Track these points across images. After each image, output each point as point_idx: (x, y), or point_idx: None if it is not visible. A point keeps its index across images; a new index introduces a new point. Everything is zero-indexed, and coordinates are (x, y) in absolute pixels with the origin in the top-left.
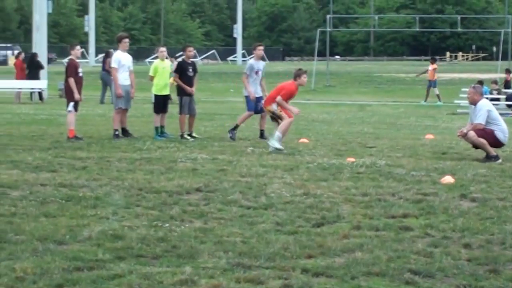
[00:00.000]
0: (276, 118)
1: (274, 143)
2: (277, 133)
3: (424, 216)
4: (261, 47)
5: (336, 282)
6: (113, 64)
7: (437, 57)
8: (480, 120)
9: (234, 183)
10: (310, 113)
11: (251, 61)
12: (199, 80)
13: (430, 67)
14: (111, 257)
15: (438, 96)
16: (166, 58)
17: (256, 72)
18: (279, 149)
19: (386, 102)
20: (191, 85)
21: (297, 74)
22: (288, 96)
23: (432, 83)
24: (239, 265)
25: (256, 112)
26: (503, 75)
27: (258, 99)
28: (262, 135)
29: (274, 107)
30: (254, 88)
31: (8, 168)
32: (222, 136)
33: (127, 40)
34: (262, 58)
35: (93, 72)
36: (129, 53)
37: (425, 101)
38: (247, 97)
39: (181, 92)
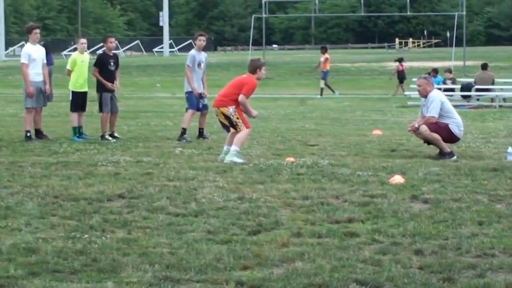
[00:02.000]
0: (226, 125)
1: (234, 159)
2: (235, 148)
3: (371, 221)
4: (203, 37)
5: None
6: (23, 59)
7: (386, 44)
8: (433, 113)
9: (161, 188)
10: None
11: (193, 52)
12: (122, 74)
13: (322, 57)
14: (24, 273)
15: (321, 90)
16: None
17: (199, 65)
18: (241, 163)
19: (329, 95)
20: (112, 80)
21: (256, 66)
22: (251, 93)
23: (322, 74)
24: (167, 278)
25: (198, 109)
26: (458, 63)
27: (200, 94)
28: (201, 134)
29: (230, 110)
30: (198, 82)
31: None
32: (147, 136)
33: (37, 30)
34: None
35: (3, 68)
36: (41, 45)
37: (334, 92)
38: (189, 93)
39: (101, 88)
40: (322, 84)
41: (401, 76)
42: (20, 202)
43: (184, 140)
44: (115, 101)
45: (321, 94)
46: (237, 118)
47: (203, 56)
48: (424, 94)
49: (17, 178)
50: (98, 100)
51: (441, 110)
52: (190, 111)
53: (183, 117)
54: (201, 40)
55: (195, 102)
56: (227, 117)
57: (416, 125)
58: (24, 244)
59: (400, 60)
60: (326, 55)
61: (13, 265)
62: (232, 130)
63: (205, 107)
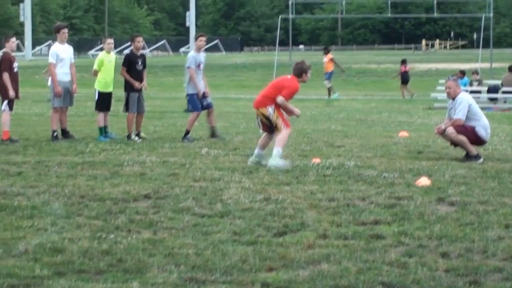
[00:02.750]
0: (267, 126)
1: (277, 161)
2: (277, 149)
3: (397, 223)
4: (203, 38)
5: None
6: (51, 59)
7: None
8: (460, 115)
9: (187, 189)
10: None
11: (192, 53)
12: (148, 74)
13: (325, 58)
14: (49, 273)
15: (329, 90)
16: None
17: (198, 65)
18: (285, 167)
19: (356, 96)
20: (140, 80)
21: (302, 70)
22: (291, 97)
23: (327, 75)
24: (192, 280)
25: (203, 109)
26: (485, 65)
27: (203, 94)
28: (213, 134)
29: (270, 110)
30: (199, 83)
31: None
32: (174, 136)
33: (65, 30)
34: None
35: (30, 67)
36: (70, 44)
37: (330, 96)
38: (192, 95)
39: (128, 87)
40: (327, 84)
41: (404, 78)
42: (46, 202)
43: (187, 141)
44: (142, 101)
45: (329, 95)
46: (277, 117)
47: (202, 56)
48: (453, 96)
49: (43, 178)
50: (124, 99)
51: (468, 112)
52: (195, 113)
53: (188, 119)
54: (202, 41)
55: (198, 103)
56: (267, 118)
57: (443, 127)
58: (50, 244)
59: (403, 62)
60: (330, 55)
61: (39, 265)
62: (275, 130)
63: (209, 105)
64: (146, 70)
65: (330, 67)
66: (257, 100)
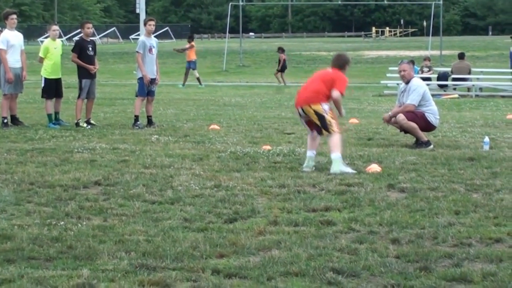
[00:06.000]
0: (319, 125)
1: (340, 166)
2: (336, 155)
3: (348, 209)
4: (153, 22)
5: (251, 284)
6: (1, 45)
7: (363, 33)
8: (414, 101)
9: (137, 175)
10: (222, 96)
11: (142, 37)
12: (98, 61)
13: (187, 45)
14: None
15: (198, 79)
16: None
17: (150, 50)
18: (352, 173)
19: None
20: (92, 66)
21: (345, 61)
22: (344, 91)
23: (191, 64)
24: (143, 266)
25: (148, 95)
26: (435, 52)
27: (152, 80)
28: (150, 122)
29: (325, 107)
30: (150, 68)
31: None
32: (124, 123)
33: (14, 16)
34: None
35: None
36: (19, 31)
37: (183, 85)
38: (140, 79)
39: (82, 73)
40: (196, 74)
41: (284, 66)
42: None
43: (138, 127)
44: (94, 88)
45: (200, 83)
46: (332, 117)
47: (153, 41)
48: (408, 79)
49: None
50: (78, 86)
51: (421, 98)
52: (139, 98)
53: (134, 105)
54: (151, 25)
55: (144, 89)
56: (320, 117)
57: (391, 114)
58: None
59: (281, 50)
60: (192, 43)
61: None
62: (323, 132)
63: (152, 93)
64: (97, 56)
65: (193, 56)
66: (304, 97)
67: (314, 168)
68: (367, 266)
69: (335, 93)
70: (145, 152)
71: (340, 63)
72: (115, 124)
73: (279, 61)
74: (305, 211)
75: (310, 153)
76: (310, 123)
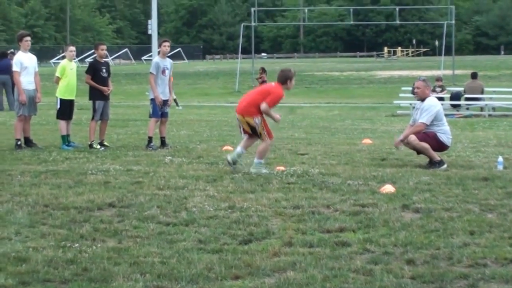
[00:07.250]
0: (250, 133)
1: (260, 170)
2: (258, 161)
3: (362, 230)
4: (167, 43)
5: None
6: (15, 67)
7: (375, 53)
8: (425, 119)
9: (151, 197)
10: (235, 117)
11: (156, 59)
12: (111, 82)
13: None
14: (14, 283)
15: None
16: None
17: (163, 71)
18: (268, 173)
19: (319, 104)
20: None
21: (287, 77)
22: (275, 104)
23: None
24: None
25: (162, 116)
26: (447, 72)
27: (165, 102)
28: (163, 143)
29: (257, 121)
30: (162, 89)
31: None
32: (137, 144)
33: (28, 38)
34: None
35: None
36: (32, 53)
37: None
38: (153, 100)
39: (94, 95)
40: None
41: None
42: (10, 211)
43: (151, 149)
44: (107, 109)
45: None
46: (263, 129)
47: (168, 62)
48: (421, 97)
49: (7, 187)
50: (92, 108)
51: (433, 118)
52: (153, 119)
53: (148, 126)
54: (166, 46)
55: (157, 110)
56: (252, 127)
57: (402, 138)
58: (14, 253)
59: (263, 70)
60: None
61: (3, 274)
62: (260, 137)
63: (165, 114)
64: (110, 78)
65: None
66: (241, 107)
67: (235, 165)
68: (383, 287)
69: (263, 105)
70: (158, 174)
71: (282, 79)
72: (129, 145)
73: (263, 81)
74: (320, 232)
75: (239, 149)
76: (244, 130)
